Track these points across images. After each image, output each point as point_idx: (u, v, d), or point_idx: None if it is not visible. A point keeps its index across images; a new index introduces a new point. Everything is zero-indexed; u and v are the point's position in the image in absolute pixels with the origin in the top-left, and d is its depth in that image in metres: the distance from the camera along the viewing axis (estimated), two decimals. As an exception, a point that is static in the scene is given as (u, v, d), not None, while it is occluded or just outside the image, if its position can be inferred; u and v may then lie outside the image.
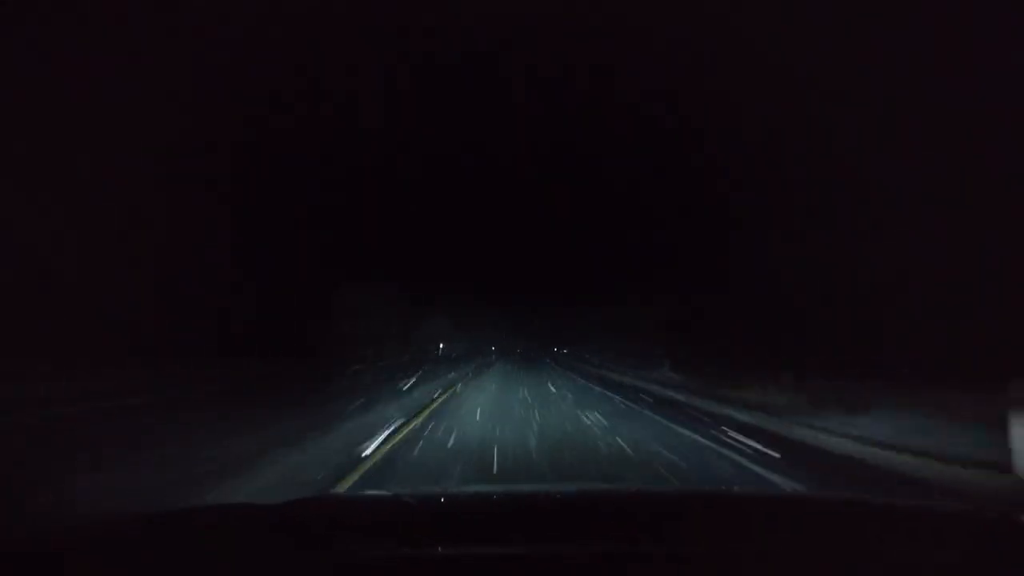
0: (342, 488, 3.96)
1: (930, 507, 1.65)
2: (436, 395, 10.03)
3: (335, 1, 10.81)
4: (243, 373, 11.88)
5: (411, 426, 6.44)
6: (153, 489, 3.73)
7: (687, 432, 6.24)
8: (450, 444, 5.28)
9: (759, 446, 5.35)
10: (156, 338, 11.27)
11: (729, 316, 13.67)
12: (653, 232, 19.83)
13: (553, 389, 11.89)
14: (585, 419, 7.01)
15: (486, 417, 7.49)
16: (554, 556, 1.10)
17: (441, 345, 43.52)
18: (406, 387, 11.66)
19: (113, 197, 10.69)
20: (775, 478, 4.20)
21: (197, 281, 13.34)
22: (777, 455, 5.00)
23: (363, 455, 4.58)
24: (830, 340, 9.28)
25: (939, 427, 6.02)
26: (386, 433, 5.64)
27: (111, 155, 10.59)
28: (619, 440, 5.57)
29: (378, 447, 4.92)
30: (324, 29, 11.31)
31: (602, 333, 34.68)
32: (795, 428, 6.36)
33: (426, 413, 7.65)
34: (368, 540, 1.23)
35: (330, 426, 6.02)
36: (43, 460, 4.85)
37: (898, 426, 7.06)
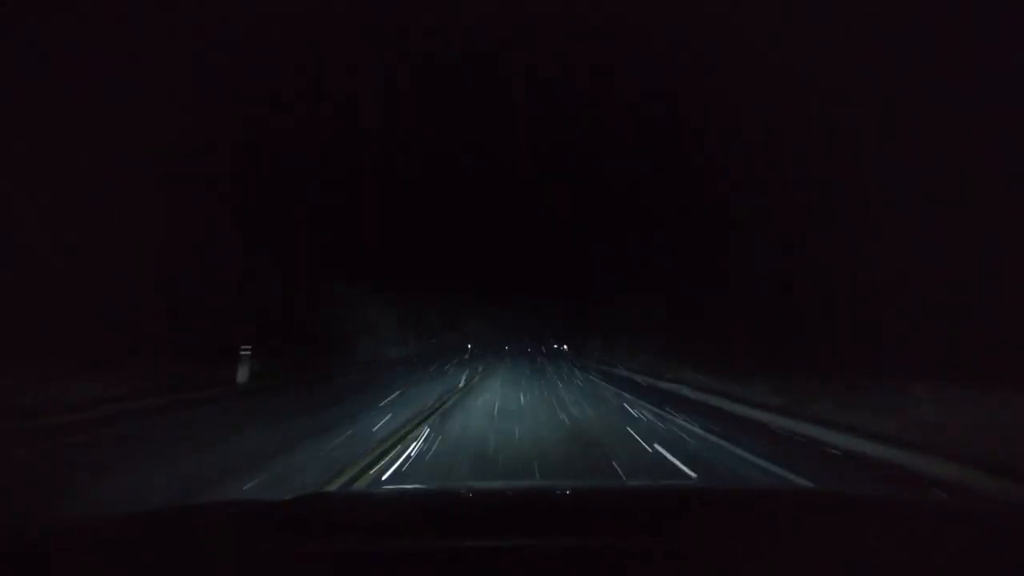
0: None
1: (930, 504, 1.65)
2: None
3: (335, 1, 10.79)
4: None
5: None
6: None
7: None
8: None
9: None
10: (156, 339, 11.26)
11: (729, 315, 13.68)
12: (653, 232, 19.81)
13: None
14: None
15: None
16: (554, 551, 1.10)
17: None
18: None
19: (113, 197, 10.68)
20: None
21: (197, 281, 13.32)
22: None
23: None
24: (830, 340, 9.28)
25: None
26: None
27: (111, 155, 10.58)
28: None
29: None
30: (324, 29, 11.29)
31: (602, 332, 34.72)
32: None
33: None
34: (367, 536, 1.23)
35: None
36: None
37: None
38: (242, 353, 13.81)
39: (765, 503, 1.70)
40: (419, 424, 8.35)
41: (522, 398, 12.50)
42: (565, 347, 55.51)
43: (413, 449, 6.30)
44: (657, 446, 6.85)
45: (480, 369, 24.36)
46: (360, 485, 4.56)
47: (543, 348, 61.77)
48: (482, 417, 9.32)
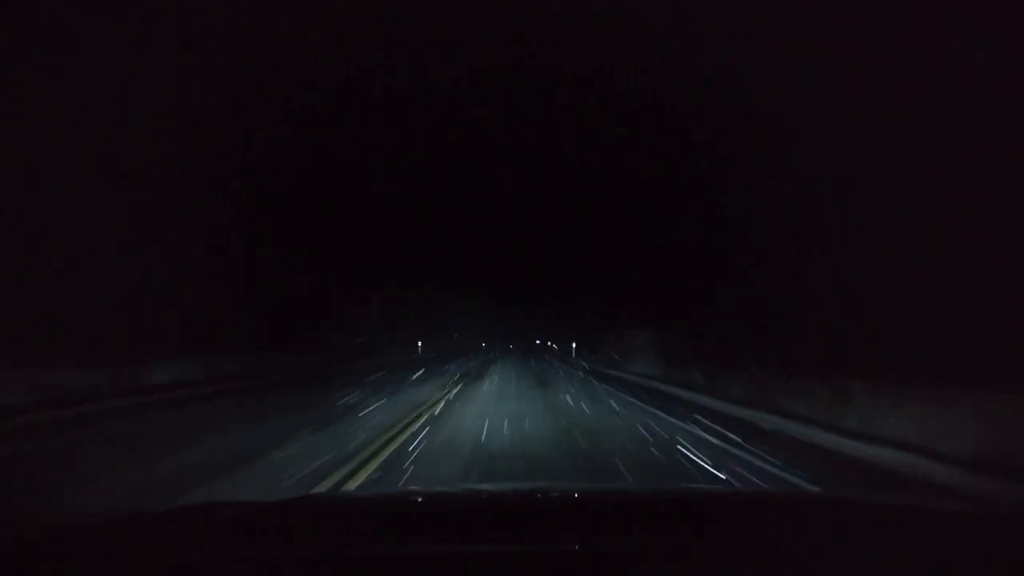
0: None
1: (934, 509, 1.63)
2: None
3: (335, 4, 10.82)
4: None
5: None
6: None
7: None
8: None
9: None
10: (155, 338, 11.26)
11: (730, 317, 13.66)
12: (651, 232, 19.80)
13: None
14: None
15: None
16: (553, 554, 1.08)
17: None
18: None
19: (114, 198, 10.66)
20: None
21: (201, 281, 13.28)
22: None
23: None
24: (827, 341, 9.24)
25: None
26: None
27: (113, 156, 10.56)
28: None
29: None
30: (324, 31, 11.32)
31: (601, 331, 34.52)
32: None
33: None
34: (359, 539, 1.22)
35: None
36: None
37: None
38: None
39: (769, 506, 1.68)
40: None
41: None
42: (573, 346, 48.37)
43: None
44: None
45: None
46: (351, 486, 4.51)
47: (538, 348, 56.45)
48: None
